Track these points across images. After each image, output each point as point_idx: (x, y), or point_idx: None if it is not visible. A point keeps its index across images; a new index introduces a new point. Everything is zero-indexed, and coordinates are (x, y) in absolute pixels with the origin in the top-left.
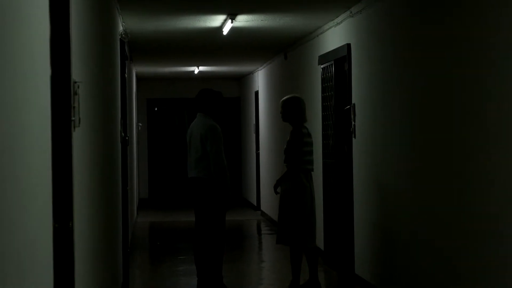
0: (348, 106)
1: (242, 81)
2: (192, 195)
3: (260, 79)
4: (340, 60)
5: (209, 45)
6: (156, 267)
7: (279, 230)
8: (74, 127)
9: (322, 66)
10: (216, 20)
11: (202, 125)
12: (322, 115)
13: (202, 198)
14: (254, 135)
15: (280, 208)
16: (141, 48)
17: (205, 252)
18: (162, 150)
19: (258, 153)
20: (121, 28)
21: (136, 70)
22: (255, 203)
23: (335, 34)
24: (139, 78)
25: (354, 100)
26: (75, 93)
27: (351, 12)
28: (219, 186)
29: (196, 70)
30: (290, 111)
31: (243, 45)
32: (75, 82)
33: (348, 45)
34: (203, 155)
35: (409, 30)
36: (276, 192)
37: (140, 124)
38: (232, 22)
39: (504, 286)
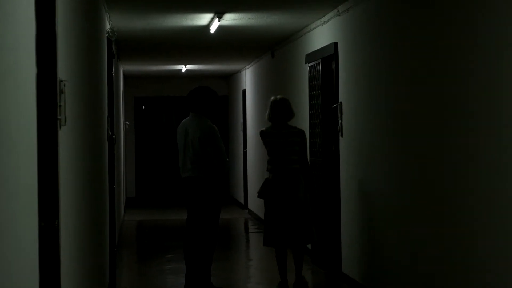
0: (335, 105)
1: (230, 79)
2: (186, 194)
3: (248, 78)
4: (327, 58)
5: (197, 43)
6: (143, 265)
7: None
8: (60, 126)
9: (309, 65)
10: (203, 19)
11: (199, 127)
12: (309, 114)
13: (199, 197)
14: (241, 134)
15: None
16: (128, 46)
17: (197, 250)
18: (149, 148)
19: (246, 151)
20: (108, 26)
21: (123, 68)
22: (242, 202)
23: (323, 33)
24: (127, 77)
25: (341, 98)
26: (61, 92)
27: (338, 11)
28: (219, 184)
29: (183, 68)
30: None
31: (230, 44)
32: (61, 81)
33: (335, 44)
34: (203, 156)
35: (396, 29)
36: None
37: (128, 123)
38: (219, 21)
39: (488, 285)
